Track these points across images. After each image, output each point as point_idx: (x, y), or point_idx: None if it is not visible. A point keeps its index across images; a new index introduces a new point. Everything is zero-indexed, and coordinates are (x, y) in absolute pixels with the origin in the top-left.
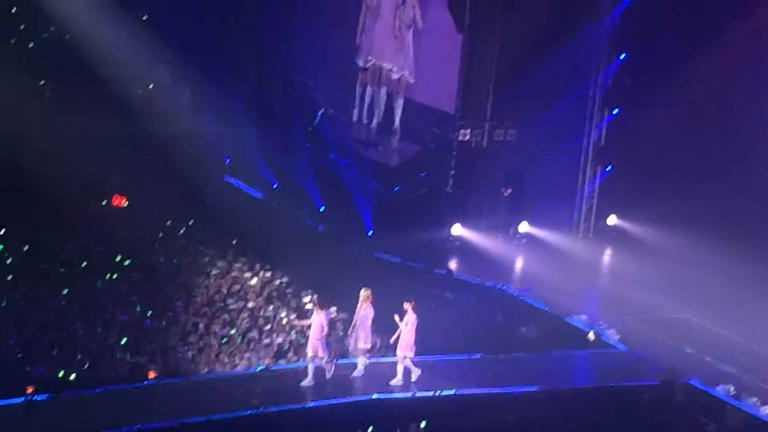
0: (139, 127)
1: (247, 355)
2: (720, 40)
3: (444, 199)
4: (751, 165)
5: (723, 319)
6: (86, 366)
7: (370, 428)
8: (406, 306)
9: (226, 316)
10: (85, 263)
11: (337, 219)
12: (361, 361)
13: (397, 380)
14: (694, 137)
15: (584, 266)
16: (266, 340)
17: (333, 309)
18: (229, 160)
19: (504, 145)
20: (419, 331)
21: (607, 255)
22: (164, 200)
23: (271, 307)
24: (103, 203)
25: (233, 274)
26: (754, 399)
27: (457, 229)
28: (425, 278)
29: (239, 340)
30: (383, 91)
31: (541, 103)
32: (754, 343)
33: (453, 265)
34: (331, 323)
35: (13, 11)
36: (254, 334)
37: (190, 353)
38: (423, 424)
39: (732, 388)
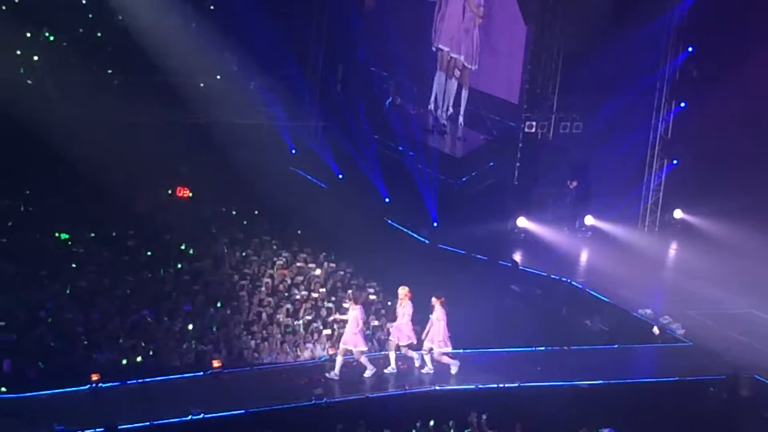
0: (205, 118)
1: (309, 345)
2: None
3: (509, 191)
4: None
5: None
6: (151, 354)
7: (432, 421)
8: (434, 301)
9: (289, 306)
10: (150, 252)
11: (402, 210)
12: (393, 357)
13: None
14: (760, 131)
15: (649, 260)
16: (329, 331)
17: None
18: (294, 150)
19: (570, 137)
20: (471, 323)
21: (673, 249)
22: (229, 190)
23: (334, 298)
24: (169, 193)
25: (297, 264)
26: None
27: (522, 222)
28: (490, 270)
29: (302, 330)
30: (452, 81)
31: (607, 95)
32: None
33: (518, 257)
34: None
35: (83, 1)
36: (318, 324)
37: (253, 342)
38: (485, 417)
39: None
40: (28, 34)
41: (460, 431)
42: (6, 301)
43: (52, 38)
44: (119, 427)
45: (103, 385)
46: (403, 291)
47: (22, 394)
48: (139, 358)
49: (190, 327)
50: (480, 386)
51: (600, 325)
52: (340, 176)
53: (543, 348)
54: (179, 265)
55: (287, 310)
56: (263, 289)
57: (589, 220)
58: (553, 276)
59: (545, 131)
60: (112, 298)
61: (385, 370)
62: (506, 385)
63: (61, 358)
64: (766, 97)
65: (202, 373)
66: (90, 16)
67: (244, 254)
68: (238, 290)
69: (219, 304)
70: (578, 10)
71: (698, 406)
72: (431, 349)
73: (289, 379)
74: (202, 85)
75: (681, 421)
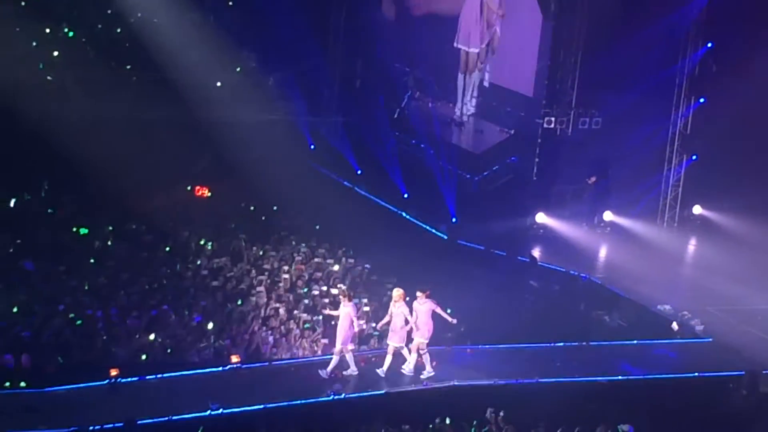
0: (223, 114)
1: (327, 340)
2: None
3: (528, 186)
4: None
5: None
6: (169, 350)
7: (447, 419)
8: (419, 294)
9: (307, 301)
10: (168, 248)
11: (421, 206)
12: (388, 360)
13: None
14: None
15: (668, 256)
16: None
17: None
18: (313, 145)
19: (589, 133)
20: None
21: (692, 245)
22: (248, 186)
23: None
24: (188, 189)
25: (316, 260)
26: None
27: (541, 217)
28: (509, 266)
29: (321, 326)
30: (471, 76)
31: (626, 90)
32: None
33: (537, 253)
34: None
35: None
36: (334, 321)
37: (271, 338)
38: (501, 414)
39: None
40: (47, 30)
41: (479, 428)
42: (25, 296)
43: (71, 34)
44: (138, 422)
45: (122, 381)
46: (398, 293)
47: (40, 389)
48: (157, 354)
49: (209, 323)
50: (498, 382)
51: (618, 320)
52: (359, 172)
53: (561, 343)
54: (198, 261)
55: (305, 305)
56: (281, 284)
57: (608, 215)
58: (571, 272)
59: (564, 127)
60: (131, 294)
61: (378, 371)
62: (525, 381)
63: (80, 354)
64: None
65: (220, 369)
66: (109, 12)
67: (262, 250)
68: (256, 286)
69: (239, 301)
70: (597, 5)
71: (717, 402)
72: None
73: (308, 375)
74: (219, 83)
75: (700, 417)
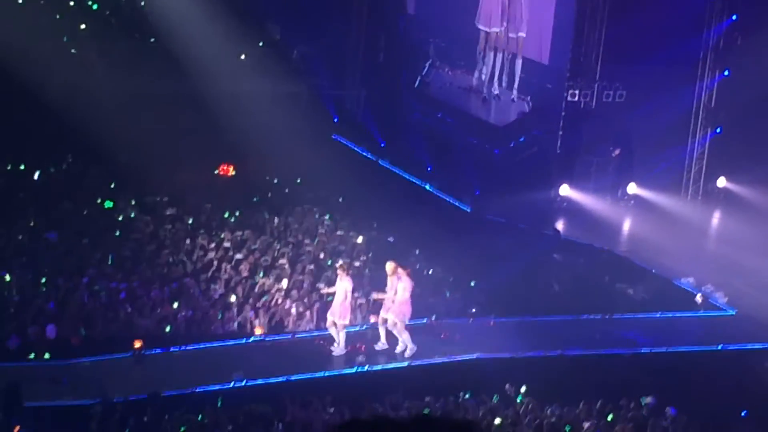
0: (246, 86)
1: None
2: None
3: (552, 159)
4: None
5: None
6: (193, 321)
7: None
8: (401, 272)
9: (329, 274)
10: (191, 220)
11: (444, 178)
12: (382, 333)
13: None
14: None
15: (692, 228)
16: (371, 299)
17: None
18: (337, 118)
19: (613, 106)
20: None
21: (716, 217)
22: (272, 159)
23: (375, 266)
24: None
25: (339, 232)
26: None
27: (565, 190)
28: (532, 239)
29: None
30: (496, 53)
31: (650, 63)
32: None
33: (560, 226)
34: None
35: None
36: (359, 293)
37: (295, 310)
38: (523, 389)
39: None
40: (72, 3)
41: (501, 401)
42: (49, 268)
43: (95, 6)
44: (163, 394)
45: (146, 353)
46: (391, 266)
47: (65, 361)
48: (180, 326)
49: (232, 295)
50: (522, 355)
51: (642, 293)
52: (383, 144)
53: (585, 316)
54: (221, 234)
55: (328, 278)
56: (304, 257)
57: (631, 188)
58: (595, 245)
59: (588, 100)
60: (155, 266)
61: (375, 346)
62: (548, 354)
63: (104, 325)
64: None
65: (244, 341)
66: None
67: (286, 222)
68: (279, 258)
69: (261, 273)
70: None
71: (740, 374)
72: (386, 320)
73: (331, 347)
74: (243, 55)
75: (723, 389)
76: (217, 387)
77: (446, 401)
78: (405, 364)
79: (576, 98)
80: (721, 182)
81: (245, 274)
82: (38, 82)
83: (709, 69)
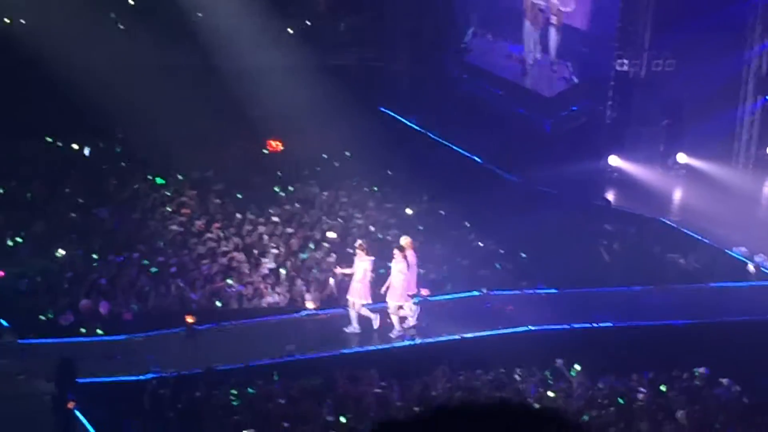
0: (293, 59)
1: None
2: None
3: (601, 129)
4: None
5: None
6: (244, 296)
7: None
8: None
9: (380, 247)
10: (240, 195)
11: (493, 150)
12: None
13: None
14: None
15: (744, 197)
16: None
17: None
18: (384, 90)
19: (662, 75)
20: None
21: (767, 186)
22: (320, 133)
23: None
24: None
25: (388, 205)
26: None
27: (615, 160)
28: (583, 210)
29: None
30: (542, 25)
31: (699, 32)
32: None
33: (610, 196)
34: None
35: None
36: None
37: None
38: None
39: None
40: None
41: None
42: (100, 244)
43: None
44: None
45: (198, 327)
46: (406, 241)
47: (117, 336)
48: (232, 300)
49: (283, 269)
50: (573, 326)
51: (693, 263)
52: (431, 116)
53: (637, 288)
54: (271, 208)
55: (379, 251)
56: (355, 230)
57: (681, 157)
58: (646, 215)
59: (637, 69)
60: (205, 241)
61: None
62: (599, 325)
63: (156, 301)
64: None
65: (296, 315)
66: None
67: (335, 196)
68: (328, 232)
69: (312, 245)
70: None
71: None
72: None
73: (383, 321)
74: (290, 29)
75: None
76: (269, 361)
77: (497, 373)
78: (457, 336)
79: (625, 68)
80: None
81: (295, 248)
82: (88, 59)
83: (759, 36)
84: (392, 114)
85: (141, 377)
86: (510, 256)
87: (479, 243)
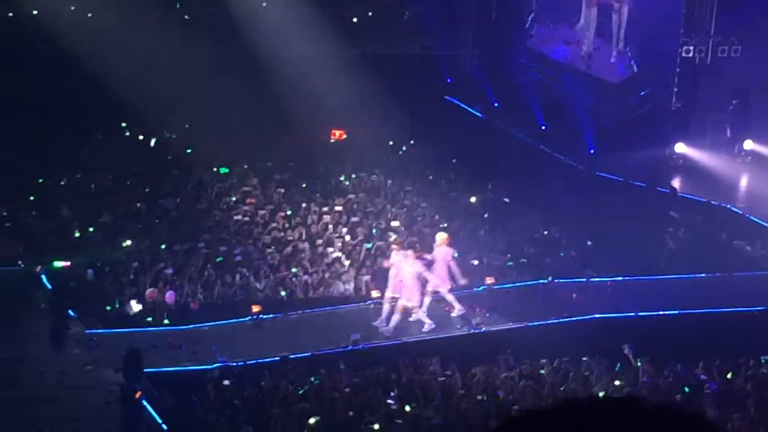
0: (359, 48)
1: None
2: None
3: (667, 116)
4: None
5: None
6: (309, 285)
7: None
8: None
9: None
10: (304, 185)
11: (558, 138)
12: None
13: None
14: None
15: None
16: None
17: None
18: (450, 79)
19: (728, 61)
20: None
21: None
22: (385, 121)
23: (488, 227)
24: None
25: (452, 194)
26: None
27: (681, 147)
28: (648, 197)
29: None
30: (606, 10)
31: (765, 15)
32: None
33: (676, 183)
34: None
35: None
36: (472, 255)
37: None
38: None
39: None
40: None
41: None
42: (166, 234)
43: None
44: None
45: (264, 317)
46: (441, 236)
47: (184, 326)
48: (297, 290)
49: (348, 259)
50: (638, 314)
51: (760, 249)
52: (496, 105)
53: (704, 275)
54: (335, 197)
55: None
56: (420, 219)
57: (748, 144)
58: (713, 202)
59: (703, 55)
60: (270, 230)
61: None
62: (666, 313)
63: (222, 291)
64: None
65: (360, 304)
66: None
67: (400, 185)
68: (392, 220)
69: (377, 234)
70: None
71: None
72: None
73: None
74: (355, 18)
75: None
76: (334, 350)
77: (560, 362)
78: (522, 324)
79: (690, 54)
80: None
81: (360, 237)
82: (153, 51)
83: None
84: (457, 102)
85: (207, 367)
86: (575, 243)
87: (544, 231)
